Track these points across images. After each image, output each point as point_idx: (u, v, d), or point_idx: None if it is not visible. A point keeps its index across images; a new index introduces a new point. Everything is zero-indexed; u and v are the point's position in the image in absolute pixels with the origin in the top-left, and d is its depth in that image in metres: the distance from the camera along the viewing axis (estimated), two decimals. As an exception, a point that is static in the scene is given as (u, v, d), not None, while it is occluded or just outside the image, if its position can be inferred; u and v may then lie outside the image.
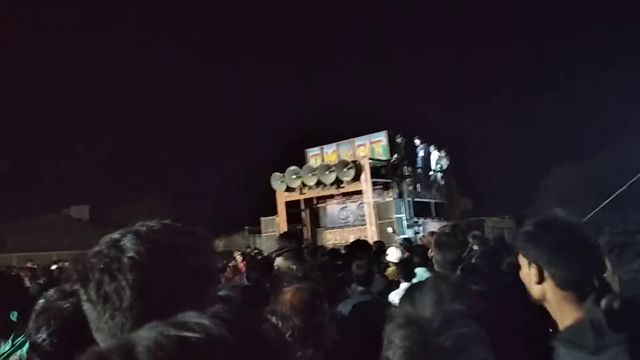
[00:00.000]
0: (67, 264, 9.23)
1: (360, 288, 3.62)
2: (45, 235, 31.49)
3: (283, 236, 3.81)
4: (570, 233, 1.39)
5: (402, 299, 0.72)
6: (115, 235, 0.84)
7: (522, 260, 1.46)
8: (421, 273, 4.43)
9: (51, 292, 1.60)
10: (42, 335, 1.43)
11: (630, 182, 10.26)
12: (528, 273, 1.42)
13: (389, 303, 3.69)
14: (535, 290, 1.41)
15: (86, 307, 0.82)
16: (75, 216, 40.63)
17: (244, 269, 7.04)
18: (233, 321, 0.41)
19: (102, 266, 0.79)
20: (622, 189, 10.11)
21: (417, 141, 14.63)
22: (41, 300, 1.57)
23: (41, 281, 6.10)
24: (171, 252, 0.82)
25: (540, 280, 1.38)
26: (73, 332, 1.43)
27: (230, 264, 8.20)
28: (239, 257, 8.51)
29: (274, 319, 1.42)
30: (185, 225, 0.89)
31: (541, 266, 1.39)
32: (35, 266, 10.13)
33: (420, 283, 0.77)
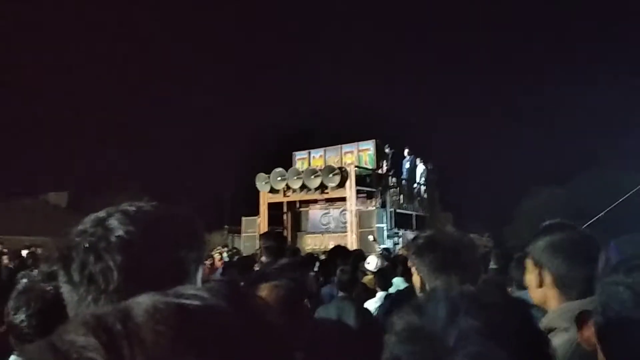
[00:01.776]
0: (39, 250, 9.01)
1: (341, 293, 3.63)
2: (20, 220, 30.80)
3: (265, 235, 3.83)
4: (574, 234, 1.38)
5: (407, 308, 0.66)
6: (101, 214, 0.78)
7: (528, 263, 1.44)
8: (398, 282, 4.45)
9: (35, 272, 1.57)
10: (21, 316, 1.39)
11: (610, 207, 10.46)
12: (530, 277, 1.41)
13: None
14: (535, 294, 1.40)
15: (65, 289, 0.76)
16: (53, 202, 39.87)
17: (220, 268, 6.96)
18: (230, 294, 0.41)
19: (87, 245, 0.73)
20: (600, 214, 10.30)
21: (406, 152, 14.73)
22: (24, 280, 1.54)
23: (11, 265, 5.95)
24: (161, 233, 0.77)
25: (540, 283, 1.37)
26: (53, 315, 1.39)
27: (207, 262, 8.10)
28: (217, 256, 8.42)
29: None
30: (174, 207, 0.84)
31: (543, 268, 1.37)
32: (5, 250, 9.89)
33: (431, 292, 0.72)
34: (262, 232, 13.51)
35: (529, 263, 1.44)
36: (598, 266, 1.37)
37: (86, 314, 0.40)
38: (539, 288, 1.38)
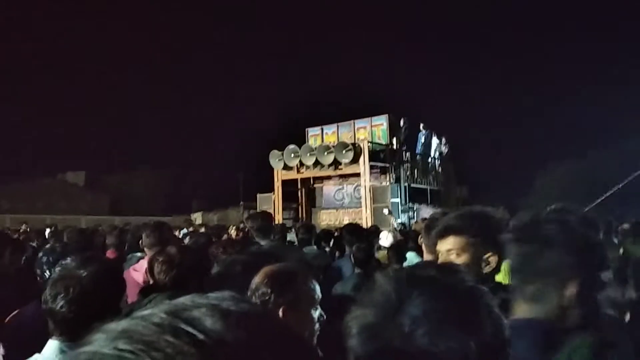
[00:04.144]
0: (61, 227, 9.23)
1: (357, 270, 3.70)
2: (40, 199, 31.46)
3: (253, 216, 4.04)
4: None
5: (358, 305, 0.68)
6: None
7: None
8: (411, 257, 4.48)
9: (68, 260, 1.63)
10: (60, 303, 1.45)
11: (626, 180, 10.30)
12: None
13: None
14: None
15: None
16: (71, 181, 40.53)
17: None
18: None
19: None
20: (617, 187, 10.15)
21: (421, 126, 14.57)
22: (57, 268, 1.59)
23: (34, 244, 6.12)
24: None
25: None
26: (91, 299, 1.46)
27: (223, 238, 8.20)
28: (233, 232, 8.52)
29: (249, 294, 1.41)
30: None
31: None
32: (28, 229, 10.15)
33: (376, 282, 0.71)
34: (278, 208, 13.67)
35: None
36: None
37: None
38: None
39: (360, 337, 0.64)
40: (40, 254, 3.07)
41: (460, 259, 1.56)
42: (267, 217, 4.17)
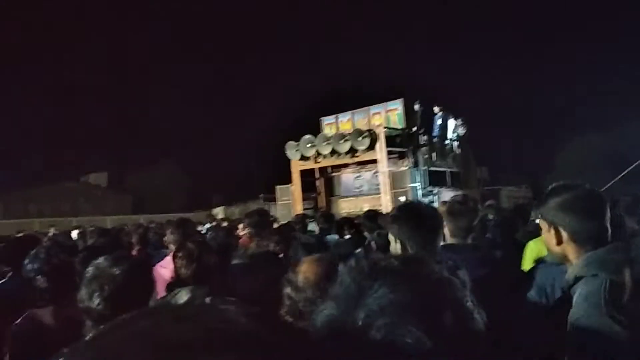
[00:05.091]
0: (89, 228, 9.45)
1: (378, 255, 3.71)
2: (66, 202, 32.23)
3: (249, 214, 4.38)
4: (580, 191, 1.46)
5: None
6: None
7: (543, 224, 1.52)
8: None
9: (100, 259, 1.68)
10: (96, 301, 1.52)
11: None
12: (548, 236, 1.49)
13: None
14: (555, 251, 1.48)
15: None
16: (94, 182, 41.37)
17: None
18: None
19: None
20: (638, 161, 9.91)
21: (436, 109, 14.40)
22: (90, 268, 1.66)
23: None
24: None
25: (559, 241, 1.45)
26: (125, 296, 1.53)
27: (247, 231, 8.27)
28: (241, 230, 8.58)
29: (289, 289, 1.43)
30: None
31: (558, 227, 1.45)
32: (57, 231, 10.41)
33: (339, 273, 0.68)
34: (296, 199, 13.74)
35: (543, 223, 1.52)
36: (606, 218, 1.42)
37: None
38: (558, 246, 1.46)
39: (322, 330, 0.62)
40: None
41: None
42: (263, 213, 4.48)
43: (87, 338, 0.42)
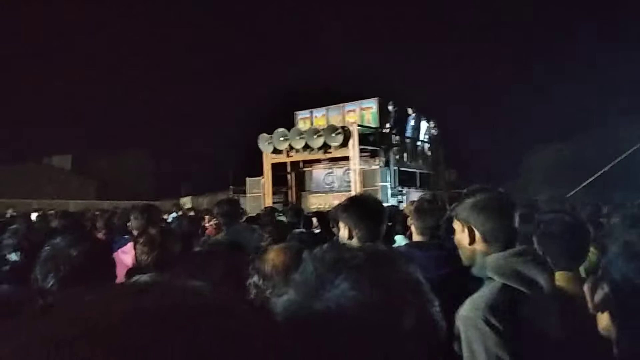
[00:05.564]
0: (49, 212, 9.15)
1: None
2: (26, 183, 31.06)
3: (219, 203, 4.26)
4: (493, 194, 1.56)
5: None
6: None
7: (457, 225, 1.59)
8: (400, 240, 4.52)
9: (58, 239, 1.61)
10: (51, 282, 1.44)
11: (612, 163, 10.44)
12: (462, 236, 1.56)
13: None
14: (466, 250, 1.55)
15: None
16: (57, 165, 40.04)
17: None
18: None
19: None
20: (604, 169, 10.29)
21: (409, 110, 14.57)
22: (47, 247, 1.58)
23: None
24: None
25: (472, 240, 1.53)
26: (82, 279, 1.45)
27: (213, 222, 8.17)
28: (207, 221, 8.47)
29: (256, 277, 1.41)
30: None
31: (472, 226, 1.53)
32: (15, 213, 10.04)
33: (303, 261, 0.66)
34: (267, 192, 13.66)
35: (457, 224, 1.59)
36: (515, 220, 1.51)
37: None
38: (470, 245, 1.53)
39: (280, 316, 0.59)
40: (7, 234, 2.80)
41: None
42: (233, 203, 4.43)
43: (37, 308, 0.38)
